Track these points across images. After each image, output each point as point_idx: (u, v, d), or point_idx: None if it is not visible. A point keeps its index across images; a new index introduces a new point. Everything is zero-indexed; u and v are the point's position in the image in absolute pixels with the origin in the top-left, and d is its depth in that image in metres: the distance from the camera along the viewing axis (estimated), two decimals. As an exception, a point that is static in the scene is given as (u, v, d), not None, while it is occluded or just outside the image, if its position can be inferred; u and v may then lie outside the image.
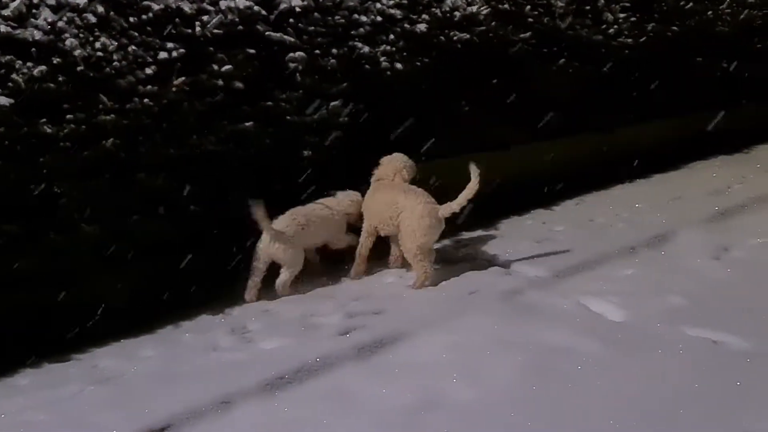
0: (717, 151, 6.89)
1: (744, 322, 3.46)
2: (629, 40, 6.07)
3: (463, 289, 4.07)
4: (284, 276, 4.24)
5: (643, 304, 3.74)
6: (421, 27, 4.85)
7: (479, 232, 5.05)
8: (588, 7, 5.83)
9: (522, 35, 5.35)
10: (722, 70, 6.94)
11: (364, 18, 4.64)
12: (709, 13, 6.75)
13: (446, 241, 4.85)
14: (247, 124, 4.11)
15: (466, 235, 4.99)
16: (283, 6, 4.33)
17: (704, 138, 6.77)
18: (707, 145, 6.80)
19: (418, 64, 4.82)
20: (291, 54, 4.29)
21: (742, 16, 7.02)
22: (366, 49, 4.62)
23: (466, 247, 4.75)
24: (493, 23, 5.18)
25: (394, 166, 4.58)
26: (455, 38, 4.99)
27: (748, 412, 2.73)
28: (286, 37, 4.29)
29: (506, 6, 5.28)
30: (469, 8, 5.08)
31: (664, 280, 4.04)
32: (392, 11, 4.76)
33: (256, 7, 4.20)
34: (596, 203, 5.55)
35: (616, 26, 5.99)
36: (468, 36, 5.04)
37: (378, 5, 4.72)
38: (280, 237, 4.15)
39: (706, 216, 5.11)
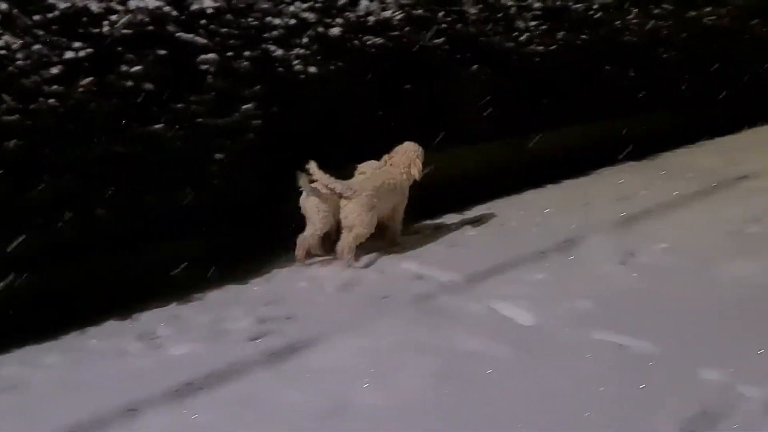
0: (625, 157, 7.06)
1: (648, 325, 3.55)
2: (540, 48, 6.18)
3: (376, 294, 4.08)
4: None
5: (552, 309, 3.81)
6: (335, 31, 4.84)
7: (392, 237, 5.06)
8: (500, 15, 5.91)
9: (436, 41, 5.38)
10: (630, 78, 7.10)
11: (277, 21, 4.61)
12: (617, 22, 6.91)
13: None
14: (157, 126, 4.03)
15: (380, 239, 4.99)
16: (194, 7, 4.27)
17: (613, 144, 6.94)
18: (615, 151, 6.96)
19: (332, 68, 4.81)
20: (203, 56, 4.22)
21: (648, 27, 7.22)
22: (279, 52, 4.58)
23: (379, 251, 4.75)
24: (407, 28, 5.20)
25: (408, 156, 4.85)
26: (369, 43, 5.00)
27: (650, 414, 2.81)
28: (197, 38, 4.22)
29: (420, 12, 5.31)
30: (383, 13, 5.09)
31: (573, 285, 4.13)
32: (306, 14, 4.74)
33: (166, 8, 4.12)
34: (508, 208, 5.62)
35: (527, 34, 6.08)
36: (382, 41, 5.06)
37: (291, 8, 4.69)
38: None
39: (613, 221, 5.23)
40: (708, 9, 7.89)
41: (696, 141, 7.90)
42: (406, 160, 4.86)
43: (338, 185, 4.47)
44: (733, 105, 8.38)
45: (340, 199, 4.51)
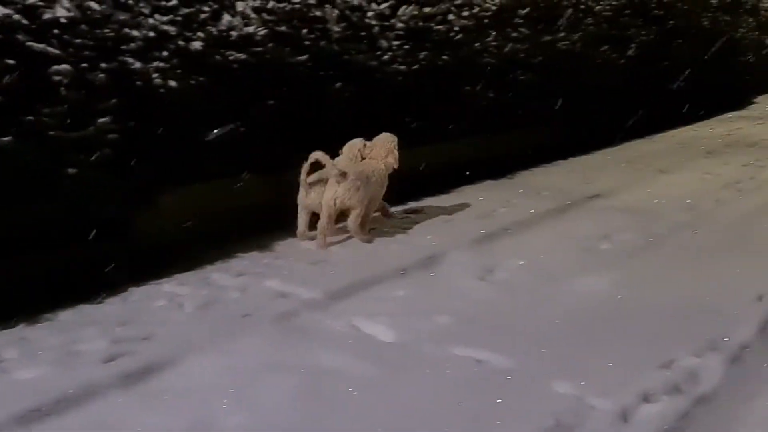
0: (484, 176, 7.24)
1: (505, 340, 3.64)
2: (403, 67, 6.27)
3: (237, 313, 4.00)
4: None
5: (413, 325, 3.84)
6: (196, 45, 4.76)
7: (254, 254, 4.99)
8: (364, 33, 5.96)
9: (299, 58, 5.38)
10: (489, 98, 7.30)
11: (135, 33, 4.48)
12: (477, 44, 7.10)
13: (219, 263, 4.79)
14: (5, 138, 3.84)
15: (242, 255, 4.93)
16: (47, 16, 4.10)
17: (472, 163, 7.11)
18: (475, 170, 7.13)
19: (193, 82, 4.72)
20: (55, 66, 4.06)
21: (506, 49, 7.45)
22: (138, 64, 4.46)
23: (240, 269, 4.69)
24: (271, 44, 5.17)
25: (386, 146, 5.40)
26: (231, 58, 4.94)
27: (506, 428, 2.87)
28: (49, 48, 4.06)
29: (283, 28, 5.29)
30: (246, 28, 5.04)
31: (433, 301, 4.18)
32: (166, 27, 4.63)
33: (16, 16, 3.94)
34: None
35: (390, 53, 6.16)
36: (245, 56, 5.00)
37: (151, 20, 4.58)
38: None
39: (473, 238, 5.34)
40: (562, 34, 8.22)
41: (552, 161, 8.19)
42: (384, 151, 5.40)
43: (336, 169, 5.09)
44: (585, 126, 8.77)
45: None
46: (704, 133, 10.46)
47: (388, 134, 5.49)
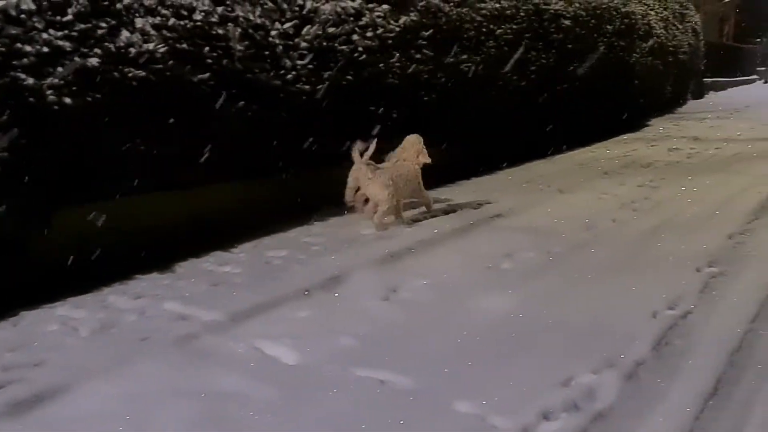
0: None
1: (408, 360, 3.64)
2: (307, 87, 6.25)
3: (134, 336, 3.89)
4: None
5: (316, 347, 3.81)
6: (93, 61, 4.63)
7: (154, 275, 4.88)
8: (267, 52, 5.92)
9: (201, 76, 5.30)
10: (392, 119, 7.34)
11: (28, 48, 4.33)
12: (381, 65, 7.14)
13: (117, 285, 4.65)
14: None
15: (141, 277, 4.81)
16: (-68, 28, 3.94)
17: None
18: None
19: (90, 99, 4.58)
20: (-60, 81, 3.89)
21: (410, 70, 7.52)
22: (30, 80, 4.31)
23: (139, 291, 4.57)
24: (171, 62, 5.08)
25: (416, 148, 6.39)
26: (130, 75, 4.82)
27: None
28: (-66, 62, 3.90)
29: (185, 46, 5.20)
30: (145, 45, 4.93)
31: (337, 322, 4.15)
32: (61, 43, 4.49)
33: None
34: (274, 246, 5.59)
35: (294, 72, 6.13)
36: (144, 74, 4.90)
37: (45, 35, 4.43)
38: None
39: (377, 258, 5.34)
40: (464, 57, 8.35)
41: (455, 180, 8.29)
42: (414, 152, 6.38)
43: (371, 169, 6.09)
44: (487, 145, 8.91)
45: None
46: (601, 155, 10.76)
47: (416, 135, 6.45)
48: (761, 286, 4.78)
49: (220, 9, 5.50)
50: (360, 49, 6.85)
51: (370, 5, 7.09)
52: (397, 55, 7.34)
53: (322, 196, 6.51)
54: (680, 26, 16.65)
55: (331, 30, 6.55)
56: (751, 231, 6.24)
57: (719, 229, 6.24)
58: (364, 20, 6.96)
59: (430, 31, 7.78)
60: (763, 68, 31.01)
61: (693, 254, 5.46)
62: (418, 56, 7.65)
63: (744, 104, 20.17)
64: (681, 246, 5.72)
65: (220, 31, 5.50)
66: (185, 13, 5.24)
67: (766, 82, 30.14)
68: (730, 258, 5.43)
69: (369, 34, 6.99)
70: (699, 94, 21.48)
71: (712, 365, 3.63)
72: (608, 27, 12.16)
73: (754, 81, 30.09)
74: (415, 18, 7.57)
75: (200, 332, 3.97)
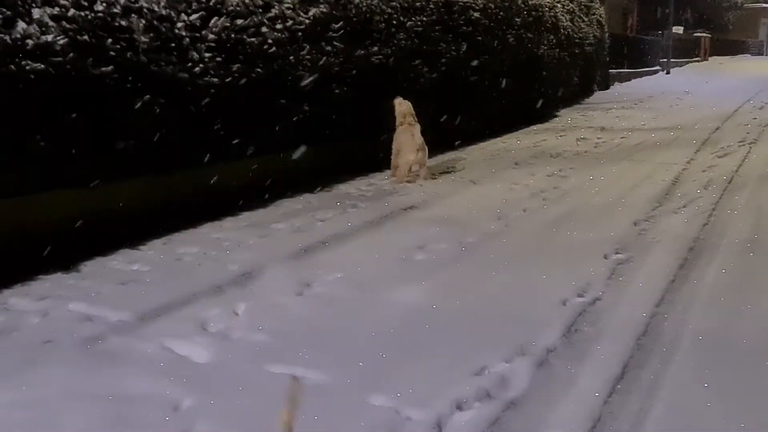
0: (301, 188, 7.21)
1: (322, 355, 3.61)
2: (215, 80, 6.13)
3: (37, 339, 3.74)
4: None
5: (229, 344, 3.75)
6: (-13, 54, 4.44)
7: (59, 275, 4.70)
8: (173, 45, 5.77)
9: (104, 69, 5.13)
10: (304, 111, 7.27)
11: None
12: (291, 58, 7.06)
13: (18, 286, 4.47)
14: None
15: (44, 277, 4.64)
16: None
17: (288, 176, 7.07)
18: (293, 181, 7.10)
19: (-14, 93, 4.40)
20: None
21: (320, 63, 7.45)
22: None
23: (42, 292, 4.40)
24: (72, 55, 4.90)
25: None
26: (28, 68, 4.63)
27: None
28: None
29: (86, 38, 5.02)
30: (43, 37, 4.74)
31: (249, 318, 4.10)
32: (-48, 34, 4.30)
33: None
34: (184, 242, 5.47)
35: (201, 65, 6.01)
36: (43, 66, 4.71)
37: (-66, 27, 4.23)
38: None
39: (290, 252, 5.29)
40: (375, 49, 8.33)
41: (369, 172, 8.27)
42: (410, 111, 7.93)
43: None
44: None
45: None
46: (512, 145, 10.91)
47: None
48: (665, 271, 4.92)
49: (122, 0, 5.33)
50: (269, 41, 6.75)
51: (279, -3, 7.00)
52: (308, 47, 7.26)
53: (235, 190, 6.41)
54: (586, 19, 16.97)
55: (239, 22, 6.43)
56: (655, 217, 6.42)
57: (625, 217, 6.40)
58: (273, 12, 6.86)
59: (341, 23, 7.72)
60: (665, 59, 31.93)
61: (601, 241, 5.59)
62: (329, 48, 7.59)
63: (647, 94, 20.76)
64: (589, 234, 5.84)
65: (124, 23, 5.33)
66: (86, 3, 5.06)
67: (668, 73, 31.06)
68: (636, 244, 5.58)
69: (278, 26, 6.89)
70: (605, 85, 21.97)
71: (619, 350, 3.72)
72: (516, 19, 12.29)
73: (656, 72, 31.00)
74: (325, 10, 7.50)
75: (107, 333, 3.85)
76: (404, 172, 7.85)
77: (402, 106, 7.95)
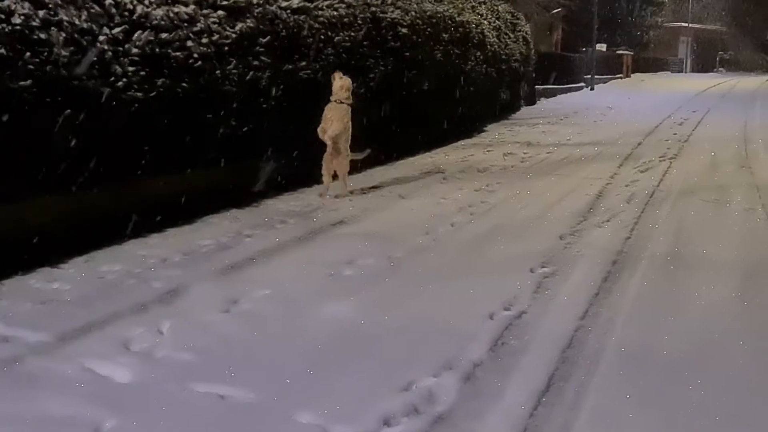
0: (229, 204, 7.13)
1: (249, 373, 3.57)
2: (139, 94, 6.02)
3: (-50, 362, 3.62)
4: None
5: (153, 364, 3.68)
6: None
7: (-26, 295, 4.56)
8: (95, 59, 5.66)
9: (22, 83, 5.00)
10: (231, 126, 7.20)
11: None
12: (217, 72, 6.99)
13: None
14: None
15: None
16: None
17: (215, 192, 6.99)
18: (217, 198, 7.01)
19: None
20: None
21: (248, 78, 7.39)
22: None
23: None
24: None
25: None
26: (-58, 82, 4.49)
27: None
28: None
29: (2, 51, 4.88)
30: (-42, 50, 4.61)
31: (175, 337, 4.02)
32: None
33: None
34: (107, 260, 5.35)
35: (125, 79, 5.90)
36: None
37: None
38: None
39: (218, 270, 5.22)
40: (303, 63, 8.31)
41: (297, 188, 8.22)
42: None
43: None
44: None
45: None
46: (440, 160, 10.97)
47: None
48: (589, 284, 5.00)
49: (41, 12, 5.20)
50: (195, 55, 6.67)
51: (205, 11, 6.93)
52: (234, 62, 7.20)
53: (161, 206, 6.30)
54: (512, 35, 17.24)
55: (164, 36, 6.34)
56: (580, 231, 6.52)
57: (551, 231, 6.49)
58: (199, 26, 6.79)
59: (268, 37, 7.68)
60: (589, 76, 32.60)
61: (527, 255, 5.65)
62: (256, 63, 7.54)
63: (573, 110, 21.14)
64: (515, 248, 5.91)
65: (43, 36, 5.20)
66: (2, 16, 4.92)
67: (592, 89, 31.72)
68: (561, 258, 5.65)
69: (204, 40, 6.82)
70: (532, 101, 22.32)
71: (545, 363, 3.76)
72: (444, 35, 12.41)
73: (581, 88, 31.60)
74: (251, 24, 7.45)
75: (25, 354, 3.73)
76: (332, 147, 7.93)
77: (343, 80, 7.93)
